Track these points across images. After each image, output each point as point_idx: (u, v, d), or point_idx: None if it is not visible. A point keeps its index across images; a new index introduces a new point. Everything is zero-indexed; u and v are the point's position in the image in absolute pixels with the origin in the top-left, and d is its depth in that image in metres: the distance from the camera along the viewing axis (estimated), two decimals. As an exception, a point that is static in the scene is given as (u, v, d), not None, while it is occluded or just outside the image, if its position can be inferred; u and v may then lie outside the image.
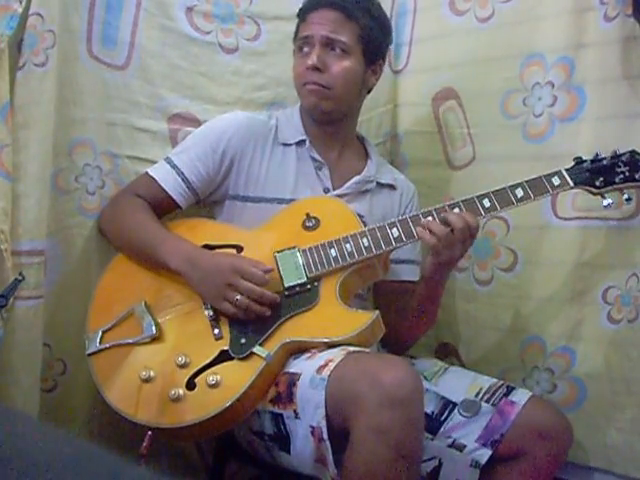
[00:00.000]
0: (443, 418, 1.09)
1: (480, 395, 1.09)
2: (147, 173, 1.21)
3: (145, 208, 1.19)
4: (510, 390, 1.10)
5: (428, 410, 1.09)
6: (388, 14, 1.45)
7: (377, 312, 1.06)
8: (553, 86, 1.23)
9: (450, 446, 1.07)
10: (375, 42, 1.22)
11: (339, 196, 1.22)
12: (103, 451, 0.39)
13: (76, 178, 1.21)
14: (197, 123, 1.29)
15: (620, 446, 1.16)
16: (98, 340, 1.09)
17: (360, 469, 0.90)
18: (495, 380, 1.13)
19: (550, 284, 1.24)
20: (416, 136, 1.45)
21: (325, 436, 0.93)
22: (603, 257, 1.18)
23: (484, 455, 1.04)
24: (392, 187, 1.29)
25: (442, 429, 1.08)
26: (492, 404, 1.07)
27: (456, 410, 1.09)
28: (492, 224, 1.30)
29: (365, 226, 1.18)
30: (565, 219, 1.22)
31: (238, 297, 1.05)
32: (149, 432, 1.02)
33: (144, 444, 1.01)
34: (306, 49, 1.19)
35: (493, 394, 1.09)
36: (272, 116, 1.25)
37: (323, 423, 0.93)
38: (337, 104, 1.21)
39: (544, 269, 1.25)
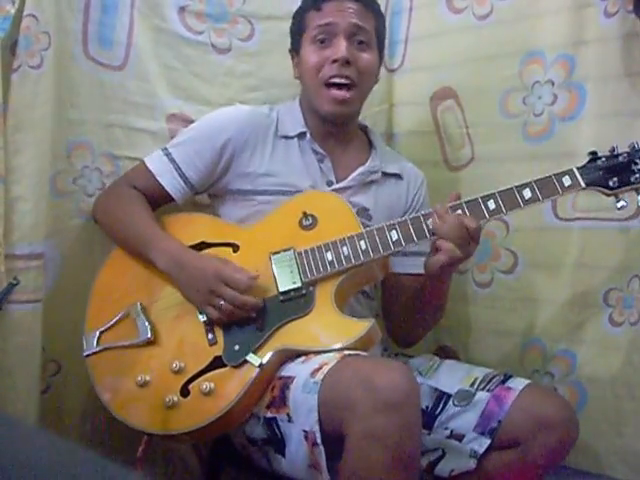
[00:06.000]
0: (437, 412, 1.07)
1: (475, 385, 1.07)
2: (144, 164, 1.19)
3: (140, 201, 1.17)
4: (507, 378, 1.07)
5: (423, 405, 1.07)
6: (383, 11, 1.44)
7: (373, 321, 1.03)
8: (553, 84, 1.20)
9: (449, 437, 1.05)
10: (384, 36, 1.23)
11: (343, 189, 1.18)
12: (100, 457, 0.39)
13: (74, 180, 1.20)
14: (192, 124, 1.28)
15: (622, 451, 1.14)
16: (95, 341, 1.09)
17: (356, 475, 0.88)
18: (491, 370, 1.10)
19: (550, 286, 1.22)
20: (413, 136, 1.42)
21: (319, 441, 0.92)
22: (604, 259, 1.16)
23: (483, 444, 1.02)
24: (399, 177, 1.24)
25: (437, 422, 1.06)
26: (488, 390, 1.05)
27: (450, 401, 1.07)
28: (491, 225, 1.28)
29: (370, 219, 1.16)
30: (566, 220, 1.20)
31: (222, 303, 1.04)
32: (145, 436, 1.02)
33: (140, 448, 1.01)
34: (326, 41, 1.13)
35: (489, 382, 1.07)
36: (273, 109, 1.22)
37: (316, 428, 0.92)
38: (358, 105, 1.19)
39: (544, 271, 1.23)
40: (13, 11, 1.09)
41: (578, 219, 1.18)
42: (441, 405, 1.07)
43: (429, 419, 1.07)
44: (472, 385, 1.07)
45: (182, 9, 1.29)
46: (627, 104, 1.13)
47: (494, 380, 1.07)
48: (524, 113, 1.25)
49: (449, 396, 1.08)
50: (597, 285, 1.17)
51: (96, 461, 0.38)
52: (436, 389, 1.09)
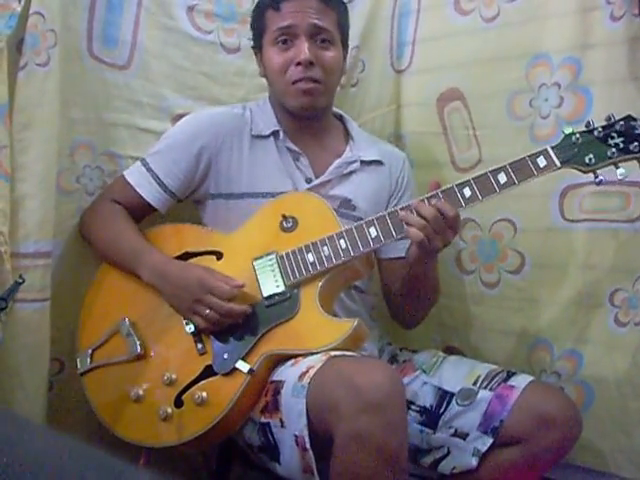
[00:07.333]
0: (441, 410, 1.08)
1: (478, 383, 1.08)
2: (123, 177, 1.19)
3: (123, 216, 1.18)
4: (510, 375, 1.08)
5: (427, 404, 1.09)
6: (390, 13, 1.44)
7: (357, 320, 1.02)
8: (559, 87, 1.21)
9: (453, 436, 1.06)
10: (347, 27, 1.22)
11: (322, 184, 1.18)
12: (107, 456, 0.39)
13: (77, 179, 1.21)
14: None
15: (629, 450, 1.15)
16: (88, 359, 1.11)
17: (344, 476, 0.89)
18: (494, 366, 1.11)
19: (557, 287, 1.23)
20: (421, 137, 1.42)
21: (308, 445, 0.92)
22: (610, 259, 1.17)
23: (485, 443, 1.03)
24: (379, 162, 1.24)
25: (441, 421, 1.07)
26: (490, 389, 1.06)
27: (454, 400, 1.07)
28: (499, 226, 1.29)
29: (354, 209, 1.17)
30: (572, 221, 1.21)
31: (207, 312, 1.04)
32: (145, 449, 1.03)
33: (141, 461, 1.02)
34: (288, 42, 1.14)
35: (491, 380, 1.07)
36: (246, 107, 1.22)
37: (305, 432, 0.92)
38: (328, 99, 1.19)
39: (551, 271, 1.24)
40: (19, 9, 1.07)
41: (585, 220, 1.19)
42: (444, 404, 1.08)
43: (433, 418, 1.08)
44: (475, 383, 1.08)
45: (190, 8, 1.29)
46: (633, 108, 1.13)
47: (497, 378, 1.07)
48: (531, 115, 1.25)
49: (452, 395, 1.08)
50: (603, 286, 1.18)
51: (106, 460, 0.39)
52: (439, 388, 1.10)
